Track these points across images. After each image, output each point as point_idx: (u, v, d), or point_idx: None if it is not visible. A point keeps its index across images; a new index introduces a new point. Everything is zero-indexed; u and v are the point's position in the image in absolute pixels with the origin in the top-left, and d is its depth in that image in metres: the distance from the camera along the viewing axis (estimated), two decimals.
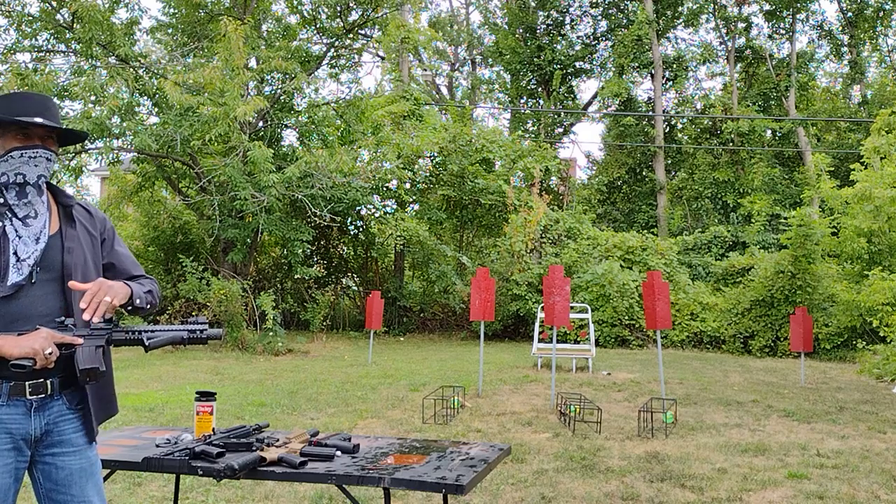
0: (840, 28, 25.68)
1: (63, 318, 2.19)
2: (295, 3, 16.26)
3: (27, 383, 2.13)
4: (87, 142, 12.88)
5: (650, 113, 24.42)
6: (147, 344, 2.27)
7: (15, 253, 2.15)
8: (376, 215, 17.59)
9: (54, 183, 2.36)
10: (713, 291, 16.21)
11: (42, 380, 2.15)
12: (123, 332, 2.27)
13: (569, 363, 11.07)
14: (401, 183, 17.71)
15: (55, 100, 12.62)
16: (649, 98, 25.80)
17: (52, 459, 2.22)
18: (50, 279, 2.20)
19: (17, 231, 2.17)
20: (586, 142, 56.60)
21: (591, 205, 23.23)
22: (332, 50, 16.52)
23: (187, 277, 13.52)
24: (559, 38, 26.76)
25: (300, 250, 14.41)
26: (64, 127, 2.26)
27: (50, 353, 2.07)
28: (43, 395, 2.17)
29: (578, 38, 27.28)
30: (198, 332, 2.32)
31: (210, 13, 15.51)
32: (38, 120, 2.18)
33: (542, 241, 17.01)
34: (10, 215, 2.17)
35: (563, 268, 8.47)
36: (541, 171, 17.83)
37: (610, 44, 26.23)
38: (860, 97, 25.95)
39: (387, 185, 16.97)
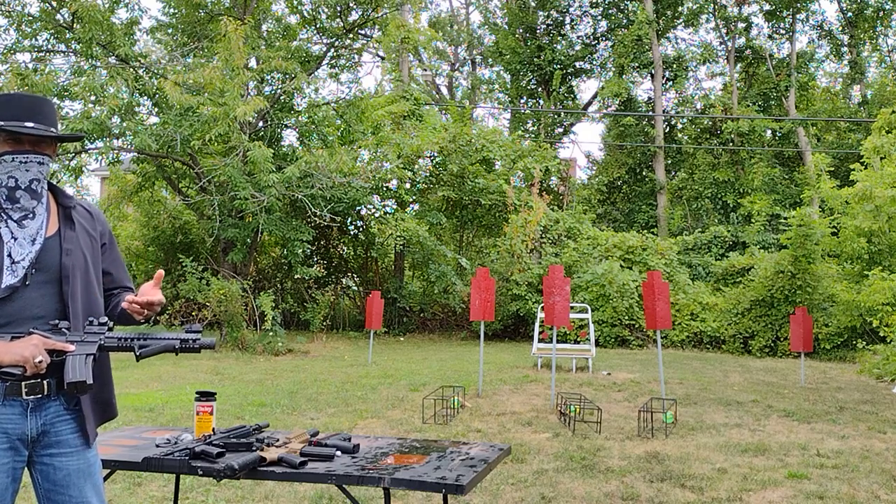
0: (840, 28, 25.68)
1: (57, 320, 2.17)
2: (295, 3, 16.25)
3: (23, 384, 2.12)
4: (86, 142, 12.89)
5: (650, 113, 24.42)
6: (138, 353, 2.24)
7: (9, 255, 2.13)
8: (376, 215, 17.59)
9: (54, 182, 2.35)
10: (713, 291, 16.21)
11: (38, 380, 2.15)
12: (115, 339, 2.25)
13: (569, 363, 11.07)
14: (401, 183, 17.70)
15: (55, 100, 12.70)
16: (649, 98, 25.81)
17: (50, 460, 2.21)
18: (46, 281, 2.19)
19: (12, 233, 2.16)
20: (586, 142, 56.66)
21: (591, 205, 23.22)
22: (332, 50, 16.51)
23: (187, 277, 13.52)
24: (559, 38, 26.76)
25: (300, 250, 14.41)
26: (55, 133, 2.22)
27: (40, 362, 2.07)
28: (40, 396, 2.16)
29: (578, 38, 27.28)
30: (190, 342, 2.28)
31: (210, 13, 15.51)
32: (28, 125, 2.15)
33: (542, 241, 17.00)
34: (4, 217, 2.16)
35: (563, 268, 8.47)
36: (541, 171, 17.83)
37: (610, 44, 26.23)
38: (860, 97, 25.95)
39: (387, 185, 16.96)
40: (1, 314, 2.11)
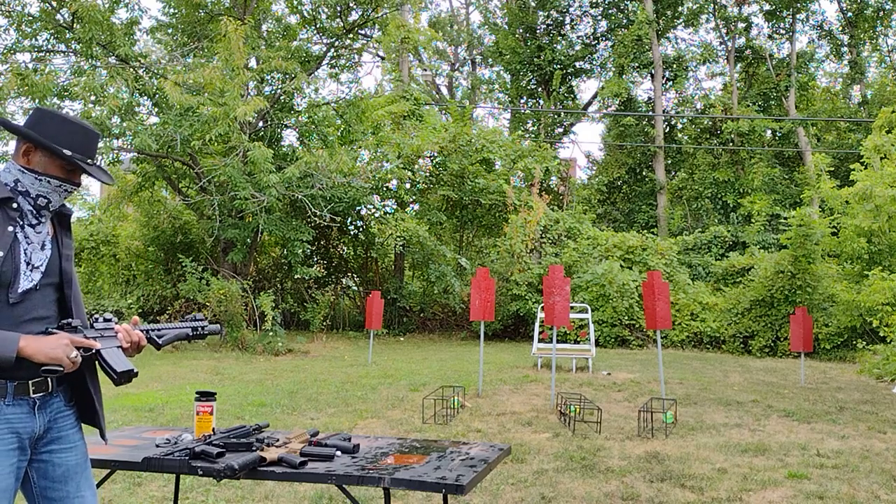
0: (840, 28, 25.69)
1: (69, 320, 2.20)
2: (295, 3, 16.25)
3: (30, 382, 2.14)
4: None
5: (650, 113, 24.43)
6: (160, 342, 2.37)
7: (29, 261, 2.16)
8: (376, 215, 17.59)
9: None
10: (713, 291, 16.22)
11: (43, 377, 2.16)
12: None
13: (569, 363, 11.07)
14: (401, 183, 17.70)
15: (55, 100, 12.69)
16: (649, 98, 25.81)
17: (50, 457, 2.23)
18: (48, 284, 2.22)
19: (28, 238, 2.18)
20: (586, 142, 56.65)
21: (591, 205, 23.23)
22: (332, 50, 16.51)
23: (187, 277, 13.52)
24: (559, 38, 26.76)
25: (300, 250, 14.40)
26: (99, 176, 2.29)
27: (76, 357, 2.09)
28: (44, 393, 2.19)
29: (578, 38, 27.29)
30: (199, 329, 2.51)
31: (210, 13, 15.50)
32: (93, 172, 2.23)
33: (542, 241, 17.01)
34: (21, 223, 2.19)
35: (563, 268, 8.47)
36: (541, 171, 17.83)
37: (610, 44, 26.24)
38: (860, 97, 25.96)
39: (387, 185, 16.96)
40: (11, 315, 2.13)
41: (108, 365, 2.17)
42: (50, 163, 2.20)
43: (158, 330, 2.40)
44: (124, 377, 2.17)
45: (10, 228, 2.14)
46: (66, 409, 2.26)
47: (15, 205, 2.18)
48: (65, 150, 2.18)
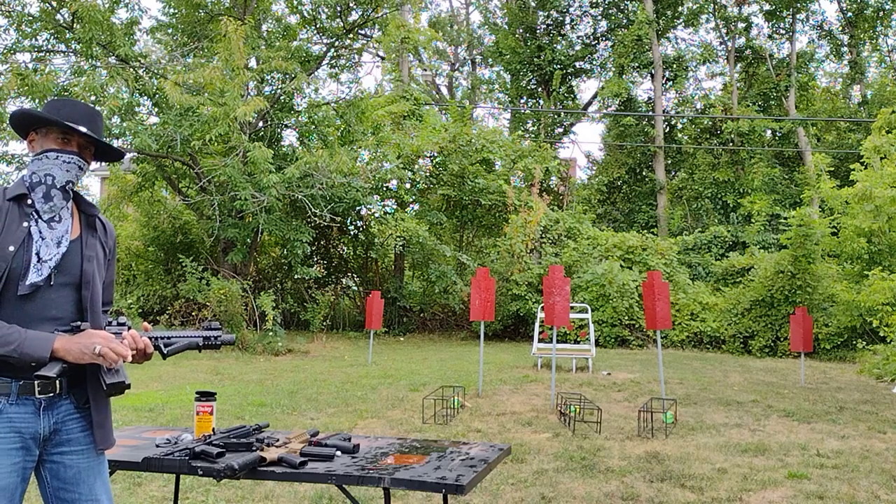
0: (840, 28, 25.69)
1: (78, 321, 2.19)
2: (295, 3, 16.25)
3: (36, 382, 2.13)
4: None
5: (650, 113, 24.43)
6: (165, 352, 2.30)
7: (37, 254, 2.17)
8: (376, 215, 17.60)
9: None
10: (713, 291, 16.22)
11: (51, 379, 2.15)
12: None
13: (569, 363, 11.07)
14: (401, 183, 17.70)
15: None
16: (649, 98, 25.81)
17: (60, 458, 2.23)
18: (65, 283, 2.22)
19: (41, 233, 2.19)
20: (586, 142, 56.63)
21: (591, 205, 23.23)
22: (332, 50, 16.51)
23: (187, 277, 13.52)
24: (559, 38, 26.77)
25: (300, 250, 14.41)
26: (105, 141, 2.29)
27: (99, 350, 2.09)
28: (51, 395, 2.18)
29: (578, 38, 27.30)
30: (212, 339, 2.38)
31: (210, 13, 15.51)
32: (83, 129, 2.23)
33: (542, 241, 17.01)
34: (35, 216, 2.20)
35: (563, 268, 8.47)
36: (541, 171, 17.83)
37: (610, 44, 26.25)
38: (860, 97, 25.96)
39: (387, 185, 16.96)
40: (23, 312, 2.13)
41: (101, 374, 2.14)
42: (45, 139, 2.23)
43: (168, 338, 2.32)
44: (114, 388, 2.14)
45: (25, 224, 2.16)
46: (76, 413, 2.25)
47: (30, 201, 2.19)
48: (43, 113, 2.21)
